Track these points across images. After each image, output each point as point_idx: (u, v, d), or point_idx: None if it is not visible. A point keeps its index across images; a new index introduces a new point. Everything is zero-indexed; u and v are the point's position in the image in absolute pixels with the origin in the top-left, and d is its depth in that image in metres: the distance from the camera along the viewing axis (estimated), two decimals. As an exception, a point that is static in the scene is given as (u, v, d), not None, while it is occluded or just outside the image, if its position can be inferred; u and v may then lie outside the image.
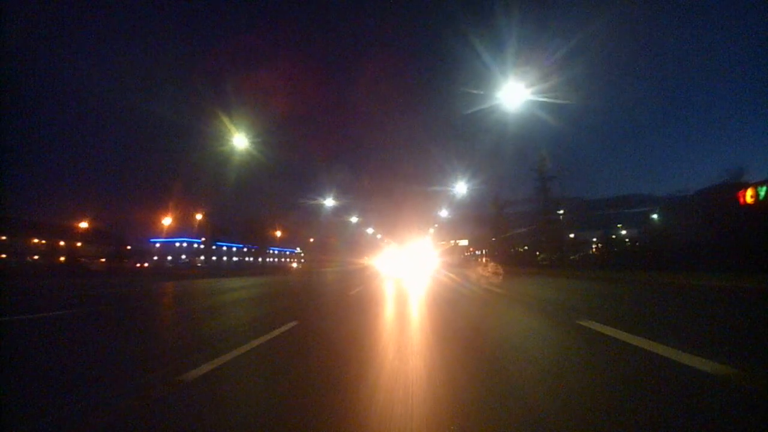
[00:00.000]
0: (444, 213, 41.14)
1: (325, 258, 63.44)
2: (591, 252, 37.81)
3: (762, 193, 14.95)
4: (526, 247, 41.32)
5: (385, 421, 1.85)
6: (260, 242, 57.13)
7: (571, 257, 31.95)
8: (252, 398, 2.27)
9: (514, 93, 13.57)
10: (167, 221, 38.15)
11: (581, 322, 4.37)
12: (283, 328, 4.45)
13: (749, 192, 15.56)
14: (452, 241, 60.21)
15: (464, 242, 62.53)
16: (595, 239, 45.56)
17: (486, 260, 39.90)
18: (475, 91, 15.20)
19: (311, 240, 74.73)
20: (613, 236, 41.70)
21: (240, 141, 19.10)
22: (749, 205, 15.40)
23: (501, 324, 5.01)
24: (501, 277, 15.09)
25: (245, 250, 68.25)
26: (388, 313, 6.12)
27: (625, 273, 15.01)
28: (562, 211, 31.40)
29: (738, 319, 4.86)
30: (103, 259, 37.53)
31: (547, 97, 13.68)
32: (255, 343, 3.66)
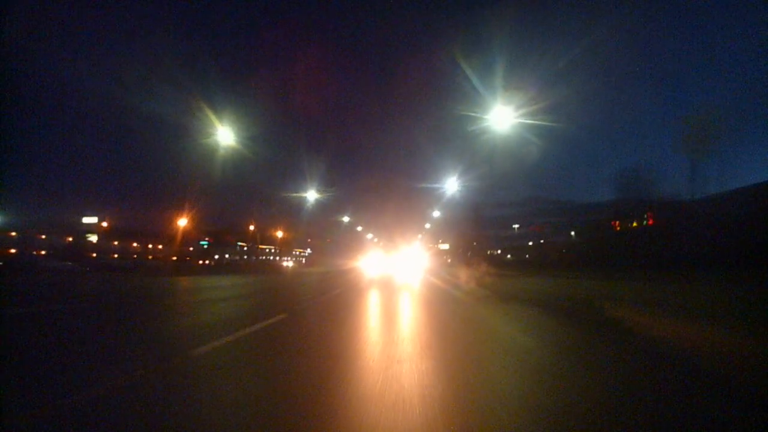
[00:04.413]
0: (427, 225, 47.52)
1: (322, 258, 67.83)
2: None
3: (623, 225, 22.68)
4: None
5: (392, 300, 8.20)
6: (281, 245, 63.61)
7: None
8: (344, 301, 8.58)
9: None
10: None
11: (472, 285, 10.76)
12: (339, 290, 10.81)
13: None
14: (436, 245, 66.48)
15: (445, 246, 68.55)
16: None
17: (451, 261, 47.23)
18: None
19: (309, 240, 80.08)
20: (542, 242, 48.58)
21: (311, 195, 24.63)
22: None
23: (427, 283, 11.38)
24: (453, 267, 21.79)
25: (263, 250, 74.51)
26: (386, 284, 12.49)
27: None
28: (518, 225, 38.22)
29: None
30: (174, 258, 42.20)
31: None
32: (332, 294, 9.94)
